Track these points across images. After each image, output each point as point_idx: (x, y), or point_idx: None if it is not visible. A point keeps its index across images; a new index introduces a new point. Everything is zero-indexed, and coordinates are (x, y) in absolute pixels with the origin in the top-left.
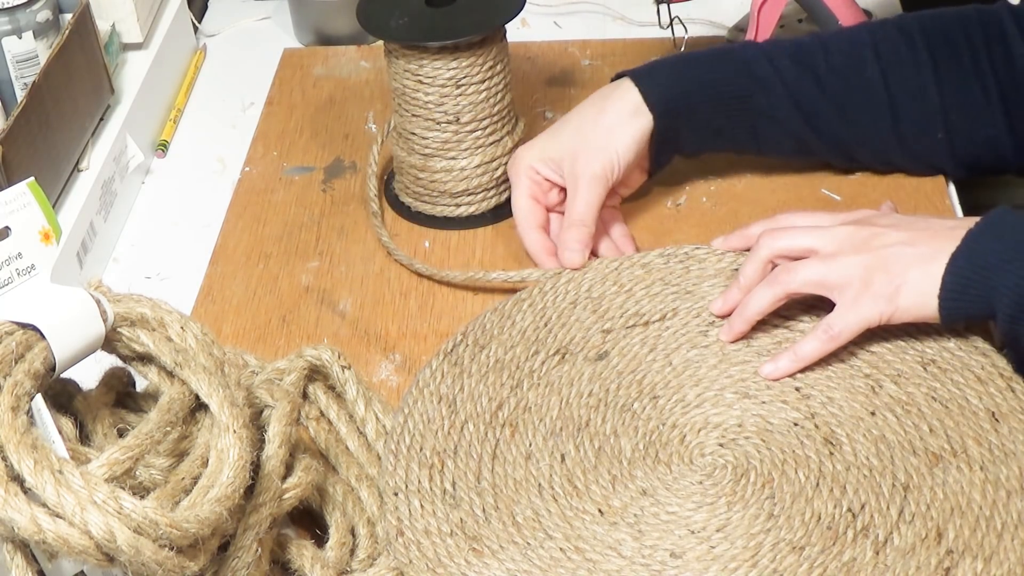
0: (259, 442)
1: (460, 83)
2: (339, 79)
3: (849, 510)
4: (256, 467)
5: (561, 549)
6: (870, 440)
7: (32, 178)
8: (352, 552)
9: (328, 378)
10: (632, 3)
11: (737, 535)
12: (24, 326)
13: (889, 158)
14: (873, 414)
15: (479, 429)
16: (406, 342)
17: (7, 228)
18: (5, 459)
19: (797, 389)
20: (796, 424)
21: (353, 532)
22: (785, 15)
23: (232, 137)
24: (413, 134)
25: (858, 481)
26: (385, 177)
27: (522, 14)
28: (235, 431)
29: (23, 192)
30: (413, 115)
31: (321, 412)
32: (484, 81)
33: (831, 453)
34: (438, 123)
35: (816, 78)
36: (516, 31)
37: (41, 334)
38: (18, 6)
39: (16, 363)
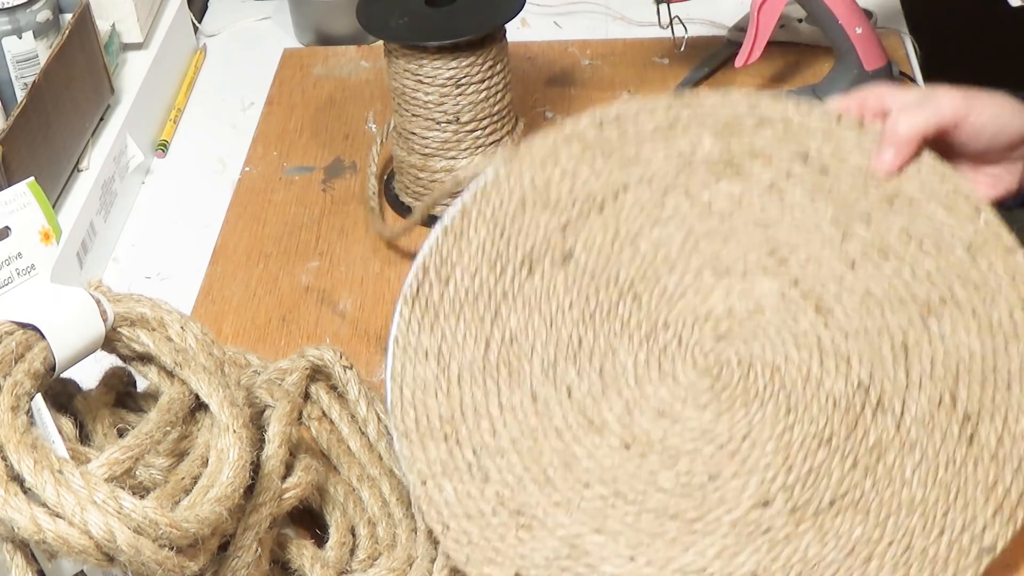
0: (259, 442)
1: (460, 83)
2: (339, 79)
3: (860, 385)
4: (256, 467)
5: (602, 497)
6: (857, 298)
7: (32, 178)
8: (352, 552)
9: (330, 378)
10: (632, 3)
11: (763, 439)
12: (24, 326)
13: None
14: (853, 267)
15: (476, 379)
16: None
17: (7, 228)
18: (5, 459)
19: (771, 252)
20: (783, 296)
21: (353, 532)
22: (785, 15)
23: (232, 137)
24: (413, 134)
25: (859, 349)
26: (385, 177)
27: (522, 14)
28: (235, 431)
29: (23, 192)
30: (413, 115)
31: (323, 412)
32: (484, 81)
33: (825, 323)
34: (438, 123)
35: None
36: (516, 31)
37: (41, 334)
38: (18, 6)
39: (16, 363)
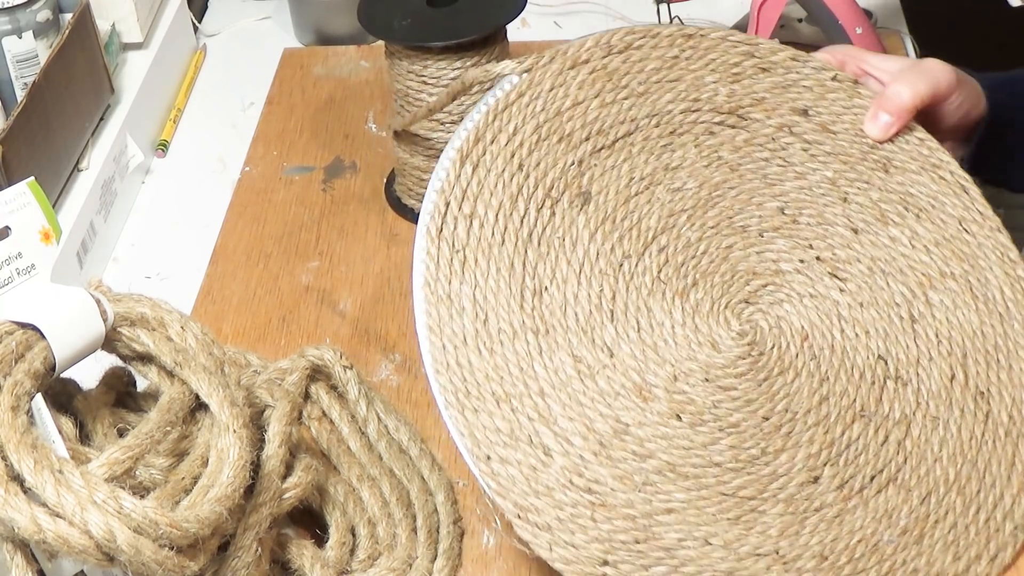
0: (259, 442)
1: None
2: (339, 79)
3: (879, 356)
4: (256, 467)
5: (659, 471)
6: (865, 266)
7: (32, 178)
8: (352, 552)
9: (330, 378)
10: (632, 3)
11: (803, 411)
12: (24, 326)
13: None
14: (857, 233)
15: (518, 335)
16: (406, 342)
17: (7, 228)
18: (5, 459)
19: (782, 210)
20: (802, 260)
21: (353, 532)
22: (785, 15)
23: (232, 137)
24: (417, 135)
25: (873, 319)
26: (385, 180)
27: (522, 14)
28: (235, 431)
29: (23, 192)
30: None
31: (323, 412)
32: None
33: (840, 290)
34: (442, 123)
35: None
36: (516, 31)
37: (41, 334)
38: (18, 6)
39: (16, 363)
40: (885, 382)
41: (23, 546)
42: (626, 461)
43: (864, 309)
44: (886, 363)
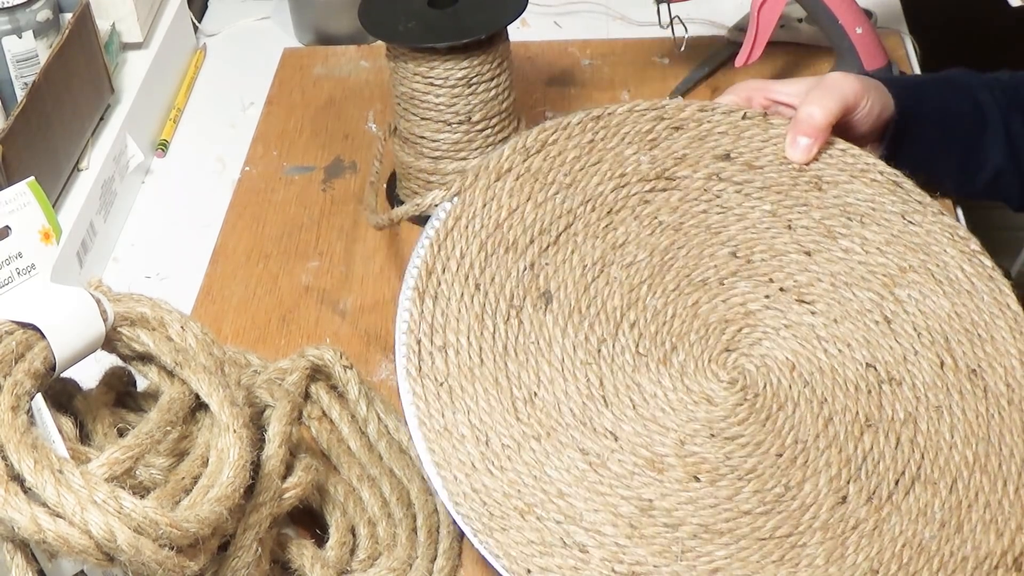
0: (259, 441)
1: (471, 82)
2: (339, 79)
3: (867, 365)
4: (256, 467)
5: (695, 536)
6: (827, 284)
7: (32, 178)
8: (352, 552)
9: (330, 378)
10: (632, 3)
11: (812, 437)
12: (24, 326)
13: None
14: (810, 255)
15: (522, 447)
16: None
17: (7, 228)
18: (5, 458)
19: (734, 255)
20: (767, 296)
21: (353, 532)
22: (785, 15)
23: (232, 137)
24: (422, 138)
25: (850, 331)
26: (385, 184)
27: (522, 14)
28: (235, 431)
29: (23, 192)
30: (423, 118)
31: (323, 412)
32: (493, 79)
33: (812, 312)
34: (449, 124)
35: None
36: (516, 31)
37: (41, 334)
38: (18, 6)
39: (16, 362)
40: (880, 387)
41: (23, 546)
42: (660, 535)
43: (839, 324)
44: (876, 369)
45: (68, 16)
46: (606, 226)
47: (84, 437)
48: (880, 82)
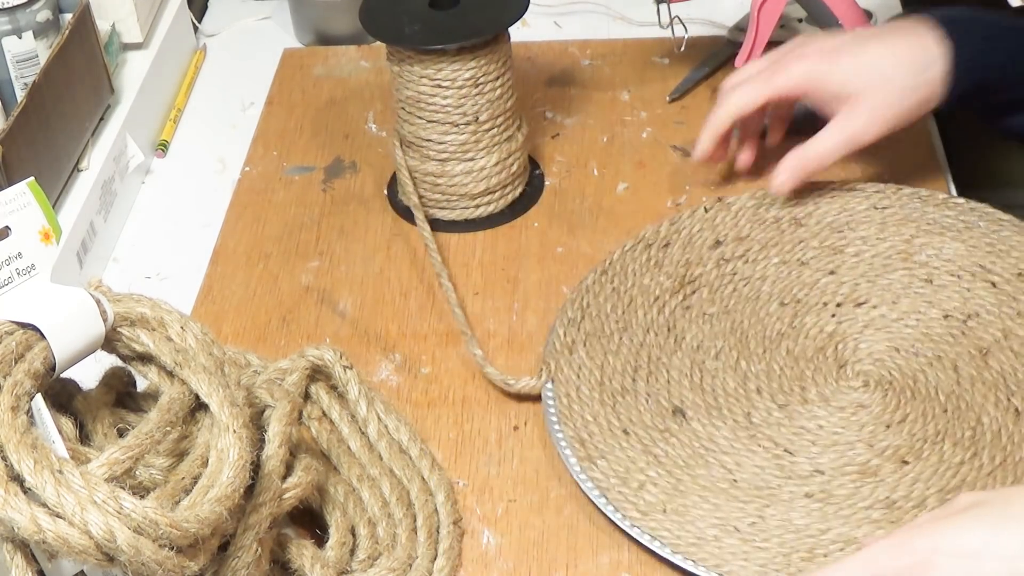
0: (259, 442)
1: (479, 82)
2: (339, 79)
3: (946, 316)
4: (256, 467)
5: (959, 493)
6: (863, 283)
7: (32, 178)
8: (352, 552)
9: (330, 378)
10: (632, 3)
11: (961, 385)
12: (24, 326)
13: None
14: (833, 272)
15: (765, 518)
16: (406, 342)
17: (7, 228)
18: (5, 459)
19: (781, 303)
20: (832, 316)
21: (353, 532)
22: (785, 15)
23: (232, 137)
24: (429, 140)
25: (911, 304)
26: (387, 184)
27: (525, 12)
28: (235, 431)
29: (23, 192)
30: (429, 121)
31: (323, 412)
32: (499, 78)
33: (873, 307)
34: (456, 125)
35: None
36: (516, 31)
37: (41, 334)
38: (18, 6)
39: (16, 363)
40: (966, 324)
41: (23, 546)
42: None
43: (898, 303)
44: (952, 316)
45: (68, 16)
46: (675, 340)
47: (84, 437)
48: (942, 62)
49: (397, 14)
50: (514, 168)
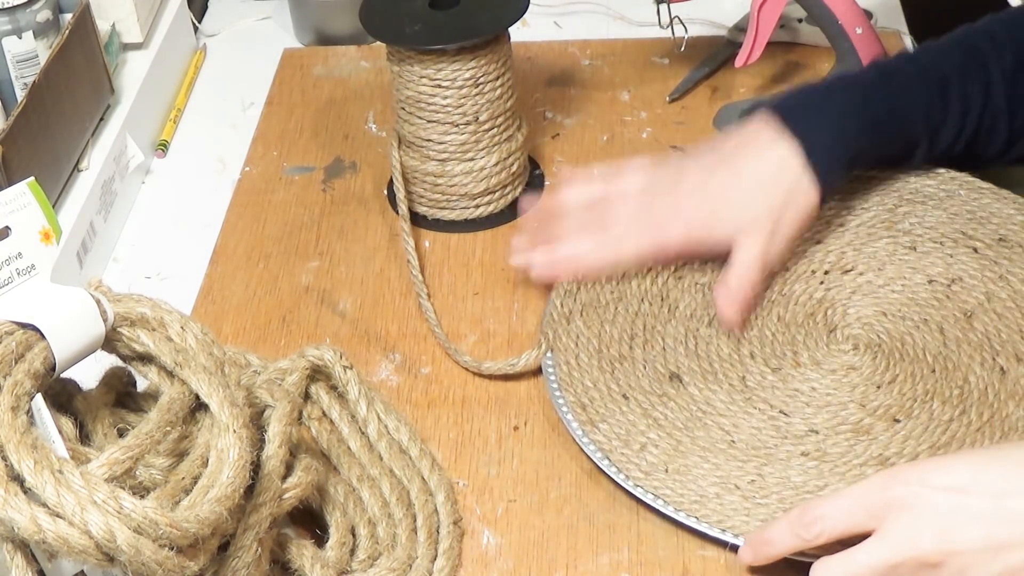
0: (259, 442)
1: (479, 82)
2: (339, 79)
3: (930, 281)
4: (256, 467)
5: (945, 452)
6: (849, 251)
7: (32, 178)
8: (352, 552)
9: (330, 378)
10: (632, 3)
11: (948, 347)
12: (24, 326)
13: None
14: (819, 243)
15: (765, 474)
16: (406, 342)
17: (7, 228)
18: (5, 459)
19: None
20: (821, 283)
21: (353, 532)
22: (785, 15)
23: (232, 137)
24: (429, 140)
25: (896, 270)
26: (387, 186)
27: (525, 12)
28: (235, 431)
29: (23, 192)
30: (429, 121)
31: (323, 412)
32: (499, 78)
33: (860, 274)
34: (456, 125)
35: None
36: (516, 31)
37: (41, 334)
38: (18, 6)
39: (16, 363)
40: (950, 288)
41: (23, 546)
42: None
43: (884, 270)
44: (936, 281)
45: (68, 16)
46: (669, 309)
47: (84, 437)
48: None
49: (397, 14)
50: (514, 168)
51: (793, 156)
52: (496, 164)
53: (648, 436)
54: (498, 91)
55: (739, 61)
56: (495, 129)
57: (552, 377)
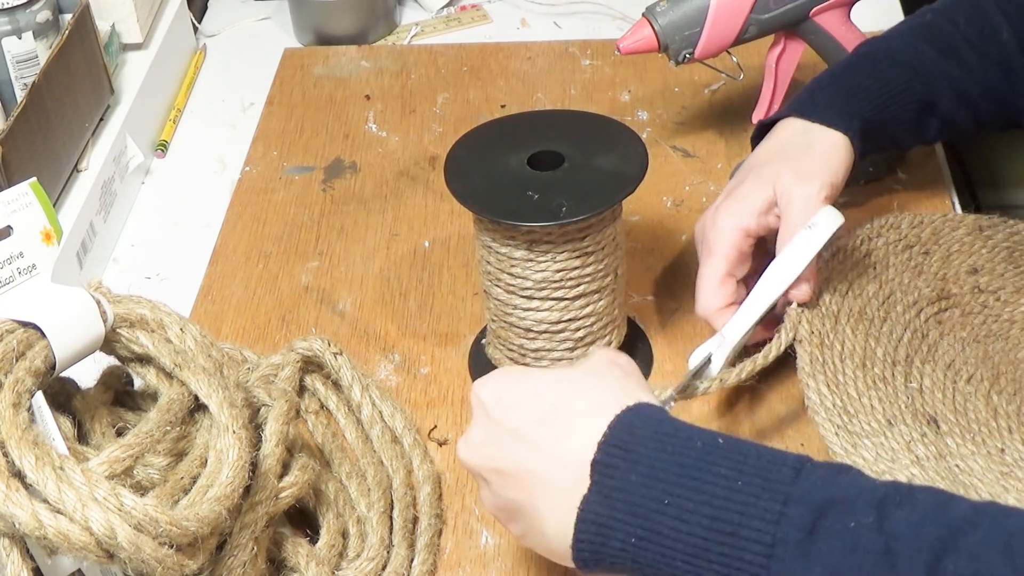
0: (256, 441)
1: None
2: (339, 79)
3: None
4: (253, 466)
5: None
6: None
7: (34, 178)
8: (343, 549)
9: (323, 368)
10: (632, 3)
11: None
12: (25, 325)
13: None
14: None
15: None
16: (406, 342)
17: (9, 227)
18: (6, 455)
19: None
20: None
21: (344, 533)
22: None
23: (232, 137)
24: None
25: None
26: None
27: (522, 14)
28: (234, 431)
29: (25, 192)
30: (521, 296)
31: (321, 404)
32: (605, 247)
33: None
34: (547, 299)
35: (959, 60)
36: (516, 31)
37: (42, 333)
38: (18, 6)
39: (17, 361)
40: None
41: (20, 543)
42: None
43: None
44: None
45: (68, 17)
46: (928, 349)
47: (82, 436)
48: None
49: (490, 173)
50: None
51: (827, 133)
52: None
53: (911, 471)
54: (604, 262)
55: (756, 116)
56: (591, 306)
57: (807, 370)
